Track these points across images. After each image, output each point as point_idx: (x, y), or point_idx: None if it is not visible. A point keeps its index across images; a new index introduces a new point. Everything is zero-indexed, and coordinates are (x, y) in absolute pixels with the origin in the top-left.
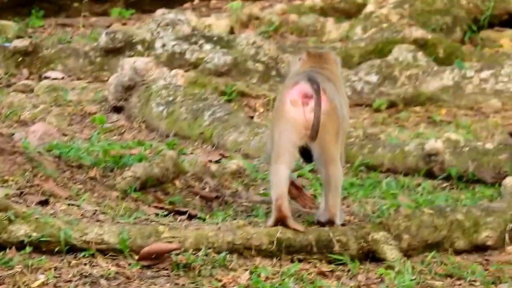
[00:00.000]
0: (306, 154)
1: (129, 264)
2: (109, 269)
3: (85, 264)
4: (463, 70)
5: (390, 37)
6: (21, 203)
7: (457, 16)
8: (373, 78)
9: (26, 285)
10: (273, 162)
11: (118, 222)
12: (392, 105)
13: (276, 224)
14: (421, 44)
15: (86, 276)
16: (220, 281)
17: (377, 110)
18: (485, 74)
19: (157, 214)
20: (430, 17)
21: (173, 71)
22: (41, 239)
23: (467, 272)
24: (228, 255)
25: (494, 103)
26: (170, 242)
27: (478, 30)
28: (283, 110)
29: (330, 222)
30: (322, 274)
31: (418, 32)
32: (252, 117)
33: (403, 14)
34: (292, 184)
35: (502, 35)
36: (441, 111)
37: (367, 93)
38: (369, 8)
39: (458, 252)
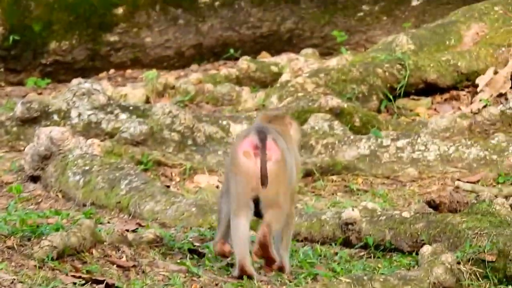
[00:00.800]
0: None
1: None
2: None
3: None
4: (379, 139)
5: (306, 106)
6: None
7: (373, 85)
8: None
9: None
10: (233, 216)
11: None
12: (308, 174)
13: (240, 276)
14: (337, 113)
15: None
16: None
17: None
18: (401, 142)
19: (74, 283)
20: (346, 86)
21: (89, 141)
22: None
23: None
24: None
25: (411, 171)
26: None
27: (394, 98)
28: (237, 162)
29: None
30: None
31: (334, 101)
32: (168, 186)
33: (318, 83)
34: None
35: (418, 104)
36: (357, 180)
37: None
38: (285, 77)
39: None
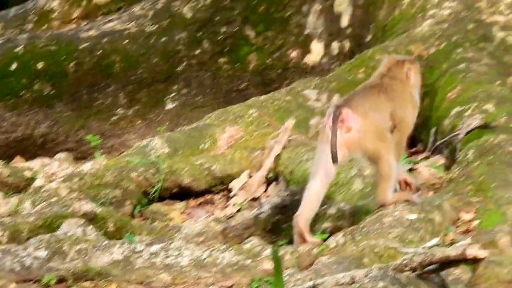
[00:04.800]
0: None
1: None
2: None
3: None
4: (133, 244)
5: (59, 211)
6: None
7: (127, 190)
8: (42, 253)
9: None
10: (310, 178)
11: None
12: (61, 280)
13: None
14: (90, 218)
15: None
16: None
17: (47, 285)
18: (155, 248)
19: None
20: (100, 191)
21: None
22: None
23: None
24: None
25: (164, 277)
26: None
27: (148, 203)
28: (323, 134)
29: (382, 206)
30: None
31: (87, 206)
32: None
33: (72, 188)
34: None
35: (172, 208)
36: (111, 285)
37: (36, 269)
38: (38, 182)
39: None
